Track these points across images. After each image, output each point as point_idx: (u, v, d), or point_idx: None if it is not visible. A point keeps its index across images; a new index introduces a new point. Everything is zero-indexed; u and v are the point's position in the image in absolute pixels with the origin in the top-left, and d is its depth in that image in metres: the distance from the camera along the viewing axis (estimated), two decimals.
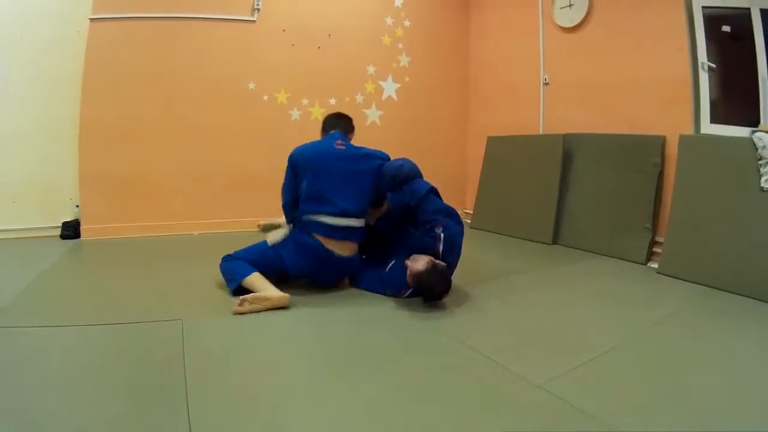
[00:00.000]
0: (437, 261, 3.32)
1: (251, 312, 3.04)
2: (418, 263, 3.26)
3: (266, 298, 3.09)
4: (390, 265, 3.60)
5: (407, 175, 3.68)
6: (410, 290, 3.42)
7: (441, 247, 3.42)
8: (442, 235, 3.44)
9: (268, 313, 3.13)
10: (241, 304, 3.05)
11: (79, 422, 1.87)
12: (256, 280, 3.29)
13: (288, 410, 2.03)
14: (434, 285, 3.27)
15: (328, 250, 3.44)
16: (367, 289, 3.65)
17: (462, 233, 3.62)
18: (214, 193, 5.73)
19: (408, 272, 3.30)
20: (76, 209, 5.29)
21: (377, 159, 3.78)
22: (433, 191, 3.69)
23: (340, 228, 3.47)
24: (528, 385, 2.28)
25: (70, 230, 5.17)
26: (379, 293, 3.58)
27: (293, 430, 1.90)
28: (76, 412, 1.93)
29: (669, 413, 2.08)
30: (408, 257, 3.38)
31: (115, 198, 5.31)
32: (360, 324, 3.09)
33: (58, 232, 5.18)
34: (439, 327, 3.01)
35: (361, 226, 3.62)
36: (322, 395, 2.17)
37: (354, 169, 3.61)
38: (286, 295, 3.17)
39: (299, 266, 3.50)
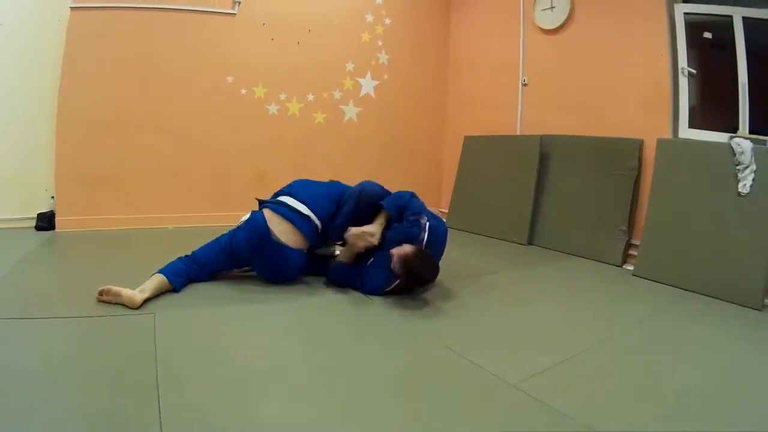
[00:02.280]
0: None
1: (108, 302, 2.96)
2: (405, 248, 3.26)
3: (118, 293, 2.96)
4: (370, 261, 3.54)
5: (371, 193, 3.70)
6: (393, 284, 3.39)
7: (425, 236, 3.43)
8: (426, 224, 3.49)
9: (242, 307, 3.12)
10: (100, 293, 2.99)
11: (49, 415, 1.81)
12: (150, 279, 3.20)
13: (260, 406, 1.99)
14: (423, 267, 3.27)
15: (268, 229, 3.41)
16: (342, 282, 3.61)
17: (446, 234, 3.67)
18: (189, 186, 5.64)
19: (395, 257, 3.25)
20: (52, 201, 5.16)
21: (340, 185, 3.97)
22: (414, 195, 3.76)
23: (288, 206, 3.57)
24: (503, 385, 2.27)
25: (45, 222, 5.03)
26: (357, 289, 3.54)
27: (264, 426, 1.86)
28: (46, 405, 1.87)
29: (643, 413, 2.08)
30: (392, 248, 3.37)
31: (91, 190, 5.18)
32: (335, 322, 3.05)
33: (33, 223, 5.05)
34: (414, 325, 2.99)
35: (310, 220, 3.60)
36: (295, 391, 2.14)
37: (316, 181, 3.98)
38: (136, 298, 2.97)
39: (243, 245, 3.46)
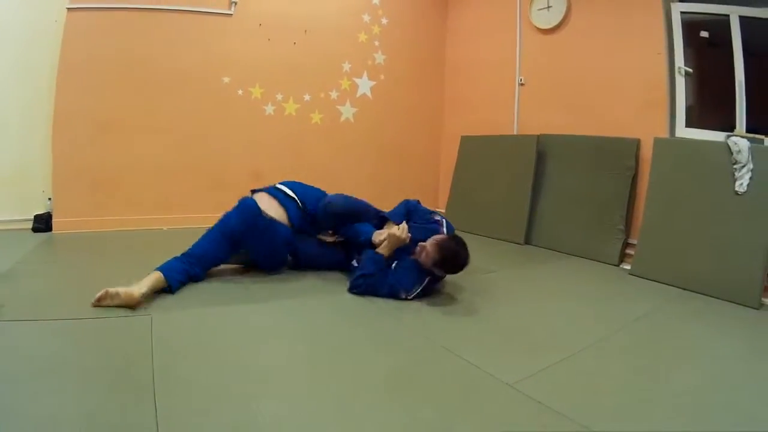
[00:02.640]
0: None
1: (107, 306, 2.94)
2: (436, 237, 3.33)
3: (115, 294, 2.95)
4: (395, 264, 3.51)
5: (335, 209, 3.78)
6: (423, 284, 3.37)
7: (445, 231, 3.54)
8: (444, 220, 3.65)
9: (237, 308, 3.10)
10: (98, 300, 2.94)
11: (45, 416, 1.80)
12: (148, 276, 3.20)
13: (255, 406, 1.97)
14: (458, 250, 3.29)
15: (258, 207, 3.60)
16: (369, 284, 3.45)
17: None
18: (186, 187, 5.61)
19: (428, 247, 3.27)
20: (49, 202, 5.13)
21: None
22: (419, 202, 3.96)
23: (279, 190, 3.86)
24: (500, 385, 2.26)
25: (42, 223, 4.99)
26: (380, 294, 3.42)
27: (260, 427, 1.85)
28: (42, 406, 1.86)
29: (640, 413, 2.08)
30: (413, 252, 3.40)
31: (87, 191, 5.15)
32: (329, 320, 3.05)
33: (30, 225, 5.01)
34: (410, 324, 2.98)
35: (295, 201, 3.81)
36: (290, 391, 2.13)
37: (305, 184, 4.11)
38: (134, 294, 2.97)
39: (236, 225, 3.58)
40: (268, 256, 3.78)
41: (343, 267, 3.86)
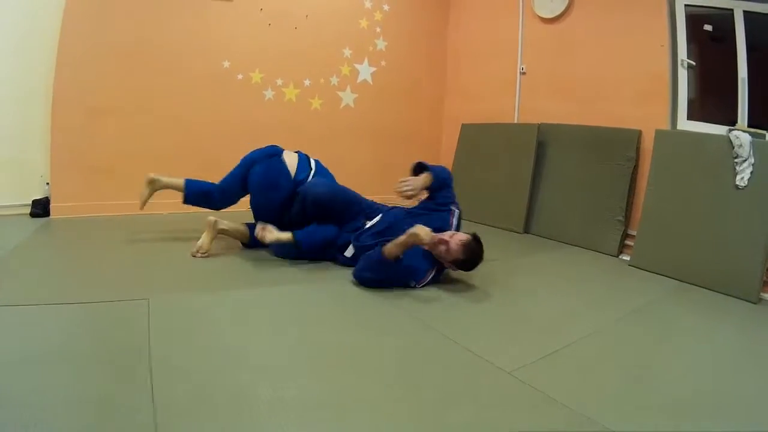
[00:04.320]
0: None
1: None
2: (458, 236, 3.30)
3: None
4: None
5: (316, 199, 3.78)
6: (432, 274, 3.40)
7: (455, 222, 3.55)
8: (457, 212, 3.64)
9: (236, 293, 3.12)
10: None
11: (41, 401, 1.80)
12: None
13: (252, 394, 1.98)
14: (481, 254, 3.31)
15: (281, 150, 4.10)
16: (376, 280, 3.36)
17: None
18: (184, 172, 5.44)
19: (452, 245, 3.23)
20: (47, 187, 5.10)
21: None
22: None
23: (306, 158, 4.19)
24: (498, 372, 2.28)
25: (40, 208, 4.96)
26: (387, 284, 3.36)
27: (257, 414, 1.86)
28: (38, 391, 1.86)
29: (638, 403, 2.10)
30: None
31: (86, 176, 5.11)
32: (329, 306, 3.06)
33: (28, 210, 4.98)
34: (409, 311, 2.98)
35: (308, 170, 4.07)
36: (288, 378, 2.13)
37: None
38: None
39: (257, 153, 4.12)
40: (264, 191, 3.94)
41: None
